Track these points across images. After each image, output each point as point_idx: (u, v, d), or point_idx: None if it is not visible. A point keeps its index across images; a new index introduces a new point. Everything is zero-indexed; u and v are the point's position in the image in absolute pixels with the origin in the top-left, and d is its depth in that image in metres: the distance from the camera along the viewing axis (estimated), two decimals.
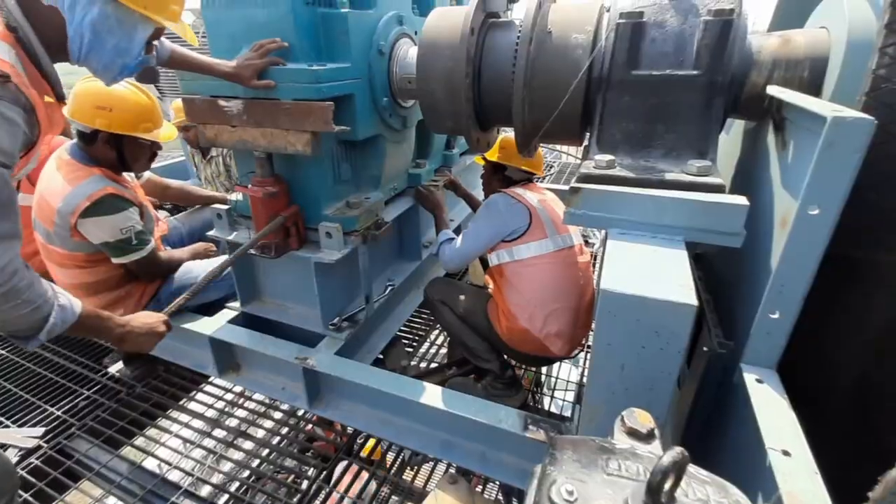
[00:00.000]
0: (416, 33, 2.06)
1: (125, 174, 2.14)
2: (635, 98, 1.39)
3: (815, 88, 1.29)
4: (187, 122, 1.86)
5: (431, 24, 1.75)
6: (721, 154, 1.43)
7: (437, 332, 3.10)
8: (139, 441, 2.20)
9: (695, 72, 1.31)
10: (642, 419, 0.80)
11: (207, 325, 2.11)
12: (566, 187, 1.70)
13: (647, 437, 0.79)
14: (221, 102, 1.71)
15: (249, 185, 1.80)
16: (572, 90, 1.47)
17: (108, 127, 1.93)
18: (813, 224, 0.98)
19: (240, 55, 1.62)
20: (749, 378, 1.11)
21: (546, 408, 2.63)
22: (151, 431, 2.27)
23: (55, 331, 1.20)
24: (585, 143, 1.70)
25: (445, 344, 3.04)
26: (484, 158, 2.25)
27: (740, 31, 1.30)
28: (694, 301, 0.94)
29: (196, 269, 2.29)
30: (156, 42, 1.55)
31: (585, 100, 1.51)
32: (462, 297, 2.22)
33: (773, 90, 1.25)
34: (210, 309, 2.29)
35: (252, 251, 1.83)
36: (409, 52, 1.95)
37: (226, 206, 2.02)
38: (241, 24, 1.66)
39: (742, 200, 1.10)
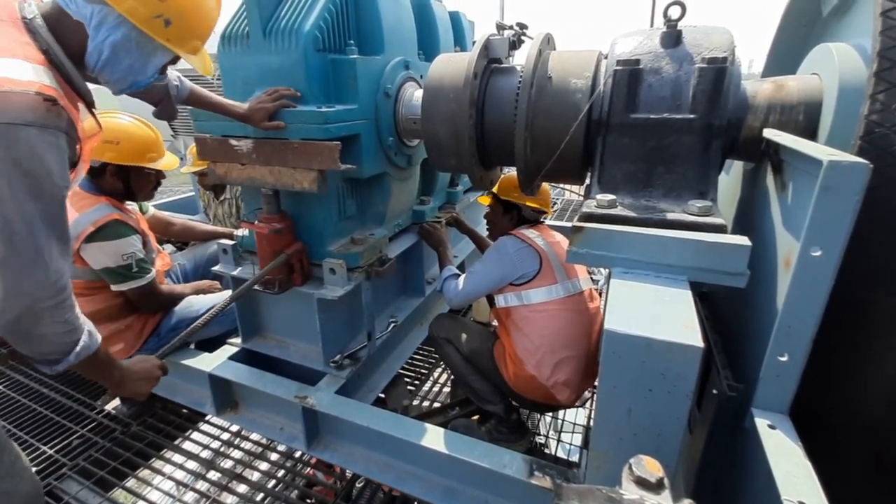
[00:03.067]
0: (421, 77, 2.14)
1: (129, 205, 2.22)
2: (634, 140, 1.43)
3: (810, 132, 1.32)
4: (205, 167, 1.93)
5: (436, 68, 1.82)
6: (721, 194, 1.45)
7: (440, 370, 3.04)
8: (131, 483, 2.13)
9: (691, 115, 1.34)
10: (651, 467, 0.77)
11: (207, 362, 2.09)
12: (570, 224, 1.71)
13: (657, 487, 0.75)
14: (232, 142, 1.76)
15: (256, 222, 1.83)
16: (573, 132, 1.51)
17: (116, 159, 2.03)
18: (816, 265, 0.97)
19: (252, 97, 1.69)
20: (761, 423, 1.07)
21: (553, 452, 2.54)
22: (144, 473, 2.20)
23: (82, 356, 1.21)
24: (587, 182, 1.72)
25: (448, 383, 2.98)
26: (492, 196, 2.27)
27: (734, 77, 1.35)
28: (700, 343, 0.92)
29: (197, 304, 2.29)
30: (174, 75, 1.63)
31: (586, 141, 1.54)
32: (468, 337, 2.18)
33: (770, 133, 1.28)
34: (210, 344, 2.28)
35: (256, 287, 1.84)
36: (414, 95, 2.02)
37: (232, 242, 2.05)
38: (254, 70, 1.74)
39: (744, 241, 1.10)
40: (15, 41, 1.07)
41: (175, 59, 1.36)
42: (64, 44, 1.17)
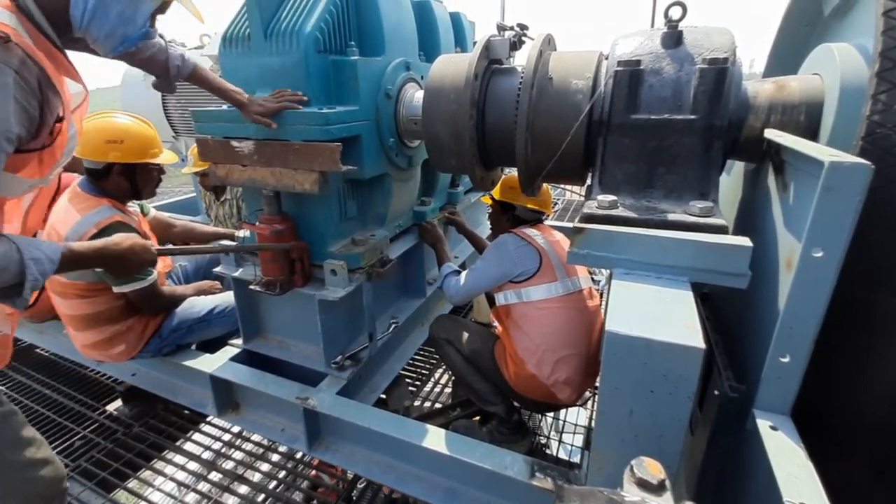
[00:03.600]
0: (422, 78, 2.15)
1: (131, 207, 2.23)
2: (635, 141, 1.42)
3: (811, 132, 1.32)
4: (206, 168, 1.93)
5: (437, 69, 1.82)
6: (722, 194, 1.44)
7: (441, 370, 3.04)
8: (133, 484, 2.13)
9: (692, 116, 1.34)
10: (653, 469, 0.77)
11: (209, 363, 2.09)
12: (571, 225, 1.71)
13: (658, 489, 0.75)
14: (234, 143, 1.77)
15: (257, 223, 1.83)
16: (573, 133, 1.51)
17: (122, 158, 2.04)
18: (818, 266, 0.97)
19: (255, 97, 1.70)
20: (763, 425, 1.07)
21: (554, 453, 2.53)
22: (146, 474, 2.20)
23: (38, 285, 1.15)
24: (588, 182, 1.72)
25: (450, 384, 2.98)
26: (491, 197, 2.28)
27: (735, 77, 1.35)
28: (701, 344, 0.92)
29: (199, 305, 2.30)
30: (177, 52, 1.61)
31: (587, 142, 1.54)
32: (468, 337, 2.18)
33: (771, 134, 1.28)
34: (211, 345, 2.28)
35: (257, 288, 1.84)
36: (415, 96, 2.02)
37: (233, 243, 2.05)
38: (255, 71, 1.74)
39: (746, 241, 1.10)
40: None
41: (164, 7, 1.31)
42: (40, 2, 1.12)
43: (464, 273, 2.12)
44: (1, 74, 1.00)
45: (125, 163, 2.05)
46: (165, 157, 2.22)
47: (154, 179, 2.23)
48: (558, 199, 6.18)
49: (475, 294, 2.15)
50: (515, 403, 2.20)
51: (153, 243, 1.46)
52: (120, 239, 1.41)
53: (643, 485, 0.75)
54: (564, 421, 2.74)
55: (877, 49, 1.04)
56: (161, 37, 1.62)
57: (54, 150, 1.23)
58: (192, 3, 1.38)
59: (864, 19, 1.30)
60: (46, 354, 3.00)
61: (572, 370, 1.90)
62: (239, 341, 2.19)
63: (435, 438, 1.68)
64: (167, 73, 1.66)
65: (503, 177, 2.24)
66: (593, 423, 1.82)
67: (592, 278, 2.17)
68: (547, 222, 2.31)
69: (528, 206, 2.12)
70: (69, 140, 1.27)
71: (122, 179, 2.09)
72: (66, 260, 1.23)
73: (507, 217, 2.21)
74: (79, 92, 1.32)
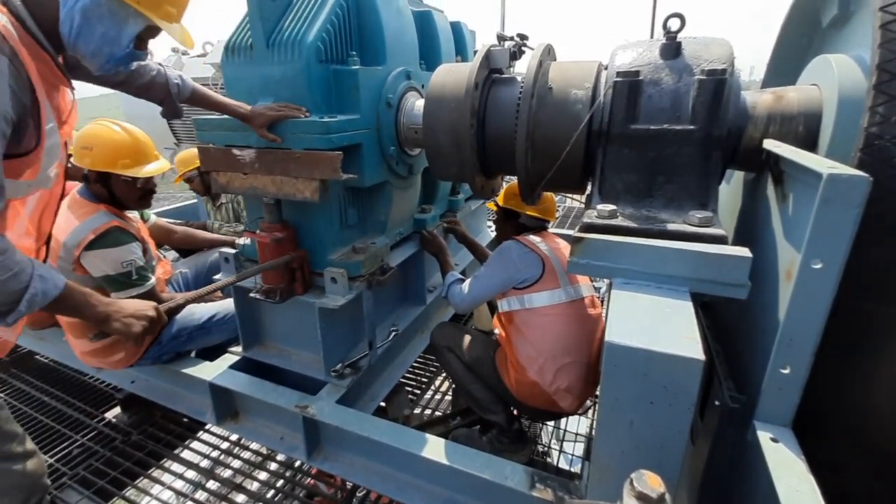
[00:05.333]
0: (423, 87, 2.16)
1: (129, 213, 2.22)
2: (635, 150, 1.43)
3: (810, 142, 1.32)
4: (189, 174, 1.93)
5: (438, 78, 1.84)
6: (722, 204, 1.45)
7: (441, 378, 3.03)
8: (130, 493, 2.12)
9: (691, 126, 1.35)
10: (652, 482, 0.77)
11: (208, 371, 2.09)
12: (571, 233, 1.72)
13: (658, 503, 0.75)
14: (235, 151, 1.77)
15: (258, 231, 1.84)
16: (573, 142, 1.52)
17: (92, 165, 2.03)
18: (817, 278, 0.97)
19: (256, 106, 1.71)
20: (763, 436, 1.06)
21: (555, 462, 2.52)
22: (144, 483, 2.19)
23: (36, 302, 1.15)
24: (588, 191, 1.73)
25: (450, 392, 2.97)
26: (495, 204, 2.29)
27: (734, 88, 1.36)
28: (701, 356, 0.92)
29: (199, 311, 2.30)
30: (174, 74, 1.63)
31: (586, 151, 1.55)
32: (469, 345, 2.17)
33: (770, 144, 1.28)
34: (211, 353, 2.27)
35: (257, 295, 1.84)
36: (415, 104, 2.03)
37: (233, 251, 2.05)
38: (258, 80, 1.76)
39: (745, 252, 1.10)
40: None
41: (152, 32, 1.33)
42: (34, 13, 1.17)
43: (468, 281, 2.12)
44: None
45: (96, 170, 2.05)
46: (147, 171, 2.12)
47: (135, 191, 2.14)
48: (559, 206, 6.19)
49: (481, 301, 2.15)
50: (516, 412, 2.19)
51: (149, 307, 1.41)
52: (110, 299, 1.39)
53: (643, 499, 0.75)
54: (565, 430, 2.72)
55: (874, 61, 1.04)
56: (160, 64, 1.65)
57: (39, 151, 1.25)
58: (181, 30, 1.37)
59: (862, 31, 1.31)
60: (46, 361, 3.00)
61: (574, 378, 1.89)
62: (238, 349, 2.18)
63: (435, 448, 1.67)
64: (169, 95, 1.68)
65: (507, 184, 2.24)
66: (594, 433, 1.81)
67: (594, 286, 2.17)
68: (549, 229, 2.31)
69: (532, 213, 2.13)
70: (55, 146, 1.28)
71: (100, 186, 2.09)
72: (69, 292, 1.24)
73: (511, 224, 2.21)
74: (70, 100, 1.34)
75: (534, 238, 2.06)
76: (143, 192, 2.20)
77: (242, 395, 1.99)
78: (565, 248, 2.10)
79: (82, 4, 1.17)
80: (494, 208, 2.34)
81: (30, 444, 1.51)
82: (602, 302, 2.44)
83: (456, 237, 2.68)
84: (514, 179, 2.02)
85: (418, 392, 2.86)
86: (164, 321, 1.45)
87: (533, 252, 1.98)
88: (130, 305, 1.40)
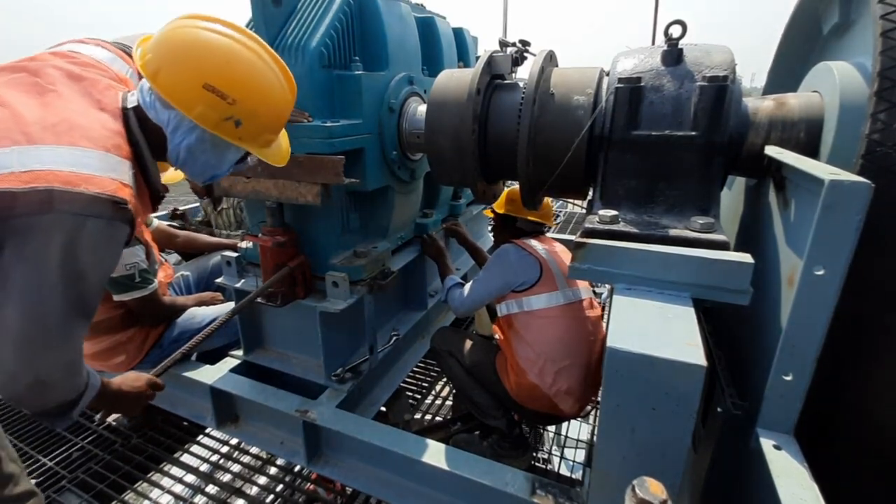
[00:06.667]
0: (425, 92, 2.17)
1: None
2: (636, 156, 1.43)
3: (811, 149, 1.32)
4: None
5: (440, 84, 1.85)
6: (723, 210, 1.45)
7: (442, 383, 3.03)
8: (129, 497, 2.11)
9: (693, 132, 1.35)
10: (654, 489, 0.76)
11: (208, 374, 2.09)
12: (573, 238, 1.73)
13: None
14: None
15: (260, 235, 1.84)
16: (575, 148, 1.52)
17: None
18: (819, 284, 0.97)
19: None
20: (766, 444, 1.06)
21: (556, 468, 2.50)
22: (143, 486, 2.18)
23: (83, 408, 1.20)
24: (589, 197, 1.73)
25: (450, 396, 2.96)
26: (493, 210, 2.29)
27: (735, 94, 1.36)
28: (703, 362, 0.92)
29: (200, 315, 2.30)
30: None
31: (588, 157, 1.55)
32: (470, 349, 2.17)
33: (772, 151, 1.28)
34: (211, 357, 2.27)
35: (258, 299, 1.84)
36: (418, 109, 2.04)
37: (235, 254, 2.06)
38: None
39: (747, 258, 1.10)
40: (108, 130, 1.10)
41: (248, 155, 1.38)
42: (148, 139, 1.21)
43: (467, 285, 2.13)
44: (119, 231, 1.07)
45: None
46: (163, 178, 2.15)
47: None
48: (560, 212, 6.19)
49: (480, 305, 2.16)
50: (517, 417, 2.18)
51: (144, 388, 1.47)
52: (117, 383, 1.41)
53: None
54: (566, 436, 2.71)
55: (875, 68, 1.05)
56: None
57: None
58: (278, 150, 1.39)
59: (863, 38, 1.31)
60: None
61: (574, 380, 1.89)
62: (239, 352, 2.18)
63: (435, 453, 1.66)
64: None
65: (505, 190, 2.25)
66: (595, 439, 1.80)
67: (594, 290, 2.17)
68: (549, 235, 2.31)
69: (530, 218, 2.13)
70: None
71: None
72: (100, 393, 1.27)
73: (509, 229, 2.22)
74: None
75: (531, 241, 2.07)
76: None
77: (243, 399, 1.99)
78: (562, 251, 2.12)
79: (187, 143, 1.21)
80: (491, 215, 2.35)
81: (26, 485, 1.47)
82: (602, 306, 2.43)
83: (457, 240, 2.69)
84: (515, 184, 2.03)
85: (419, 397, 2.86)
86: (161, 389, 1.52)
87: (530, 255, 1.99)
88: (129, 386, 1.43)
